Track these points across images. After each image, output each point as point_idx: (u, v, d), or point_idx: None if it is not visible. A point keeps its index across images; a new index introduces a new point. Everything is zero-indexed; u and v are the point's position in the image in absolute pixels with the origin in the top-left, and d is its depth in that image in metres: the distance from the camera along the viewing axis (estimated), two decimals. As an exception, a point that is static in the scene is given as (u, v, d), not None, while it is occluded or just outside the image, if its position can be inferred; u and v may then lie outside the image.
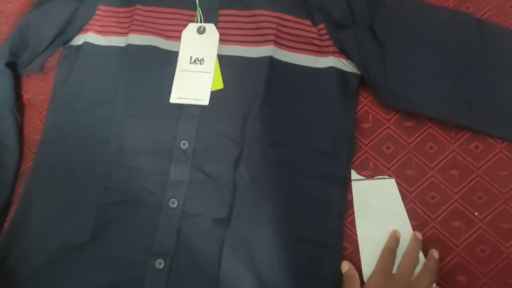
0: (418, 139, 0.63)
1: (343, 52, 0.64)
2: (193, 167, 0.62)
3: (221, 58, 0.66)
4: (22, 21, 0.71)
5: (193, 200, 0.61)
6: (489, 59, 0.61)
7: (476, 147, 0.62)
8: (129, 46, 0.67)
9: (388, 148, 0.63)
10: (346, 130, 0.63)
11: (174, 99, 0.65)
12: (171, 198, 0.61)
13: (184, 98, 0.65)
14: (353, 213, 0.62)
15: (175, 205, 0.61)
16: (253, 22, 0.66)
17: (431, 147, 0.63)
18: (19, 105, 0.72)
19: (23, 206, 0.65)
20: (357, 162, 0.63)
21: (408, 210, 0.61)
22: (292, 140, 0.62)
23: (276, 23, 0.65)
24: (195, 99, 0.65)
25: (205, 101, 0.64)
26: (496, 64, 0.61)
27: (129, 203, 0.62)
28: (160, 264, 0.59)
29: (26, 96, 0.73)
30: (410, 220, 0.60)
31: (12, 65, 0.71)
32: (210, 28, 0.67)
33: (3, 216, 0.67)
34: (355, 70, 0.64)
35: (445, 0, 0.68)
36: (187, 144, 0.63)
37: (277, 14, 0.65)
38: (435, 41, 0.63)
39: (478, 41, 0.62)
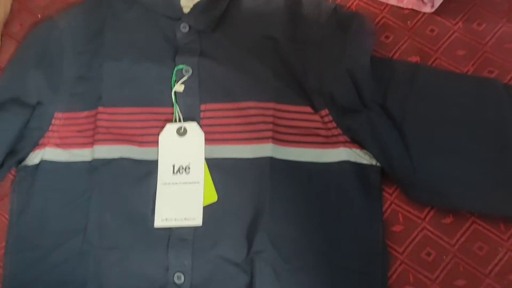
0: (462, 238, 0.54)
1: (356, 141, 0.56)
2: (194, 308, 0.53)
3: (210, 163, 0.57)
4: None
5: None
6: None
7: (536, 241, 0.53)
8: (95, 161, 0.58)
9: (428, 254, 0.54)
10: (375, 240, 0.54)
11: (159, 222, 0.55)
12: None
13: (171, 220, 0.56)
14: None
15: None
16: (243, 116, 0.58)
17: (480, 248, 0.53)
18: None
19: None
20: (393, 277, 0.54)
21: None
22: (311, 260, 0.53)
23: (272, 115, 0.57)
24: (185, 219, 0.56)
25: (198, 221, 0.55)
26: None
27: None
28: None
29: (-26, 233, 0.62)
30: None
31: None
32: (192, 127, 0.58)
33: None
34: (373, 162, 0.56)
35: (462, 65, 0.61)
36: (182, 278, 0.53)
37: (271, 105, 0.58)
38: (463, 115, 0.55)
39: None
